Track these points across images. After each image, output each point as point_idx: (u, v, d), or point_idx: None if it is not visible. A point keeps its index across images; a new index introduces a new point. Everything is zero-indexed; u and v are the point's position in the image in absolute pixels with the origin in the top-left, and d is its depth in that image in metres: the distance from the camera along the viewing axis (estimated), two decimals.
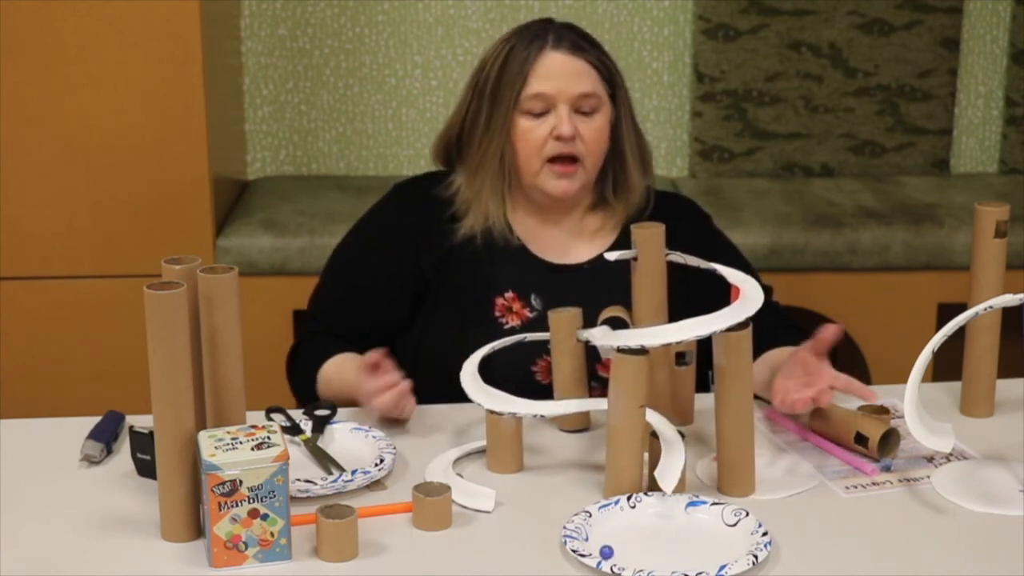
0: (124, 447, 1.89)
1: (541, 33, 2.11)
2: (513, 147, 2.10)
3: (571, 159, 2.09)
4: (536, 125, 2.09)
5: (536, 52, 2.08)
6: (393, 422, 1.97)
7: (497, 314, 2.12)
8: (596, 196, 2.18)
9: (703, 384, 2.01)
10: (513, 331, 2.09)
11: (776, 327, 2.09)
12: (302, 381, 2.16)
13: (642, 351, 1.70)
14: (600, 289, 2.04)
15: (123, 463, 1.85)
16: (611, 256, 1.93)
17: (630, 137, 2.16)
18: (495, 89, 2.09)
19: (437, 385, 2.00)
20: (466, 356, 1.92)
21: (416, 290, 2.15)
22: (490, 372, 1.92)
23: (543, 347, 2.04)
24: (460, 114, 2.16)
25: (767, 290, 2.19)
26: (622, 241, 2.13)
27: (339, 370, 2.09)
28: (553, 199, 2.13)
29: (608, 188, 2.17)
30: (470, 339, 2.01)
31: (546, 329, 1.96)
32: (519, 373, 2.08)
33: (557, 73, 2.08)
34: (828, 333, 1.91)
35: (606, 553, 1.59)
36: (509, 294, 2.12)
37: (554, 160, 2.09)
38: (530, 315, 2.12)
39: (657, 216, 2.12)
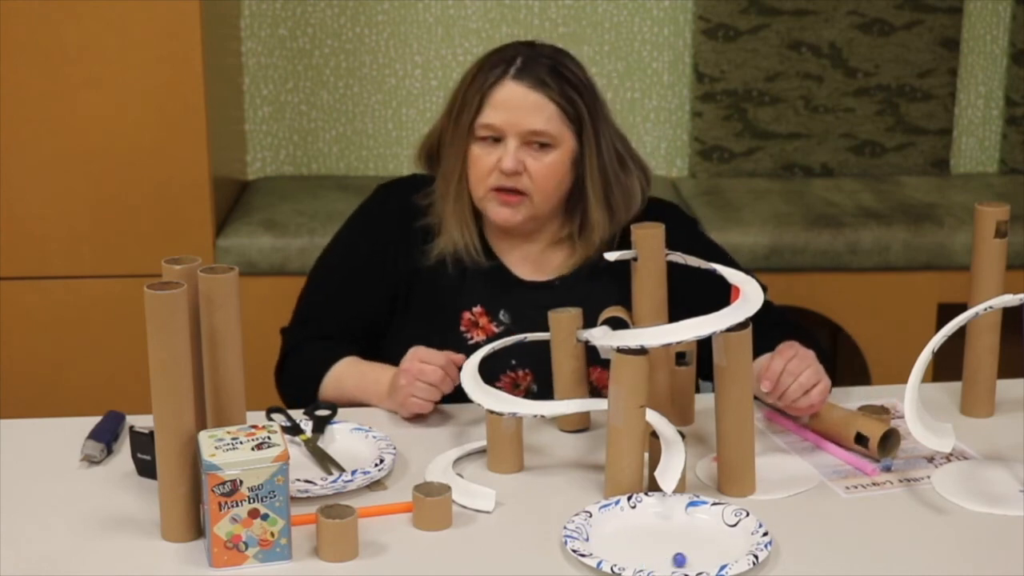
0: (124, 447, 1.89)
1: (507, 60, 2.07)
2: (464, 171, 2.09)
3: (514, 192, 2.07)
4: (485, 153, 2.07)
5: (494, 80, 2.05)
6: (396, 422, 1.97)
7: (463, 328, 2.11)
8: (562, 230, 2.15)
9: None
10: (477, 346, 2.05)
11: (770, 326, 2.07)
12: (300, 387, 2.13)
13: (642, 351, 1.70)
14: (572, 305, 2.00)
15: (123, 463, 1.85)
16: (611, 256, 1.93)
17: (594, 176, 2.09)
18: (458, 111, 2.09)
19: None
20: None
21: (394, 292, 2.14)
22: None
23: (507, 362, 2.07)
24: (439, 123, 2.16)
25: (761, 289, 2.19)
26: (579, 273, 2.13)
27: (359, 371, 2.08)
28: (497, 226, 2.12)
29: (575, 224, 2.13)
30: (436, 348, 2.00)
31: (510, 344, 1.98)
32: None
33: (510, 105, 2.05)
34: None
35: (679, 560, 1.59)
36: (477, 308, 2.12)
37: (499, 189, 2.08)
38: (496, 329, 2.10)
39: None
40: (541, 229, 2.15)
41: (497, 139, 2.06)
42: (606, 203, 2.10)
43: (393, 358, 2.05)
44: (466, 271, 2.12)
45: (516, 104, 2.04)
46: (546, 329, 1.97)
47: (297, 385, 2.14)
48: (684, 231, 2.17)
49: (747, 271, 2.17)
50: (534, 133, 2.05)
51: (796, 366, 1.91)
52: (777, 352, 1.94)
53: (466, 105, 2.07)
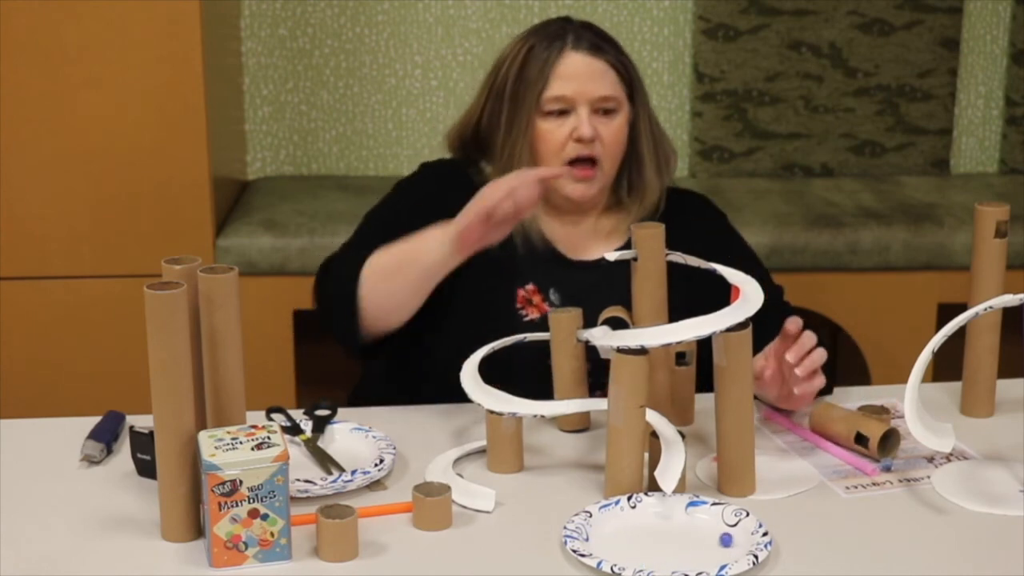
0: (124, 447, 1.89)
1: (560, 33, 2.11)
2: (533, 148, 2.10)
3: (590, 161, 2.09)
4: (556, 127, 2.09)
5: (556, 53, 2.09)
6: (397, 422, 1.97)
7: (518, 305, 2.12)
8: (611, 197, 2.18)
9: (706, 384, 2.01)
10: (532, 324, 2.08)
11: None
12: (342, 284, 2.03)
13: (642, 351, 1.70)
14: (617, 286, 2.02)
15: (123, 463, 1.85)
16: (611, 256, 1.93)
17: (648, 137, 2.15)
18: (515, 90, 2.10)
19: (451, 372, 1.97)
20: (483, 343, 1.93)
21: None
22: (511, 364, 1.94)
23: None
24: (476, 112, 2.16)
25: (779, 291, 2.19)
26: None
27: (404, 241, 2.02)
28: (571, 202, 2.13)
29: (623, 189, 2.17)
30: (489, 327, 2.01)
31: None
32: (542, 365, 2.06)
33: (577, 74, 2.08)
34: (791, 328, 1.90)
35: (726, 540, 1.62)
36: (530, 286, 2.13)
37: (573, 163, 2.09)
38: (548, 309, 2.11)
39: (674, 214, 2.13)
40: (595, 205, 2.17)
41: (563, 112, 2.09)
42: (657, 164, 2.16)
43: (444, 335, 2.04)
44: (517, 248, 2.13)
45: (583, 73, 2.08)
46: (594, 308, 1.97)
47: (342, 280, 2.05)
48: (716, 224, 2.20)
49: (766, 271, 2.19)
50: (603, 99, 2.09)
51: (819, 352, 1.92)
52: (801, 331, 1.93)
53: (529, 83, 2.09)
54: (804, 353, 1.89)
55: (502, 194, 1.90)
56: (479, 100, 2.16)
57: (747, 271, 1.85)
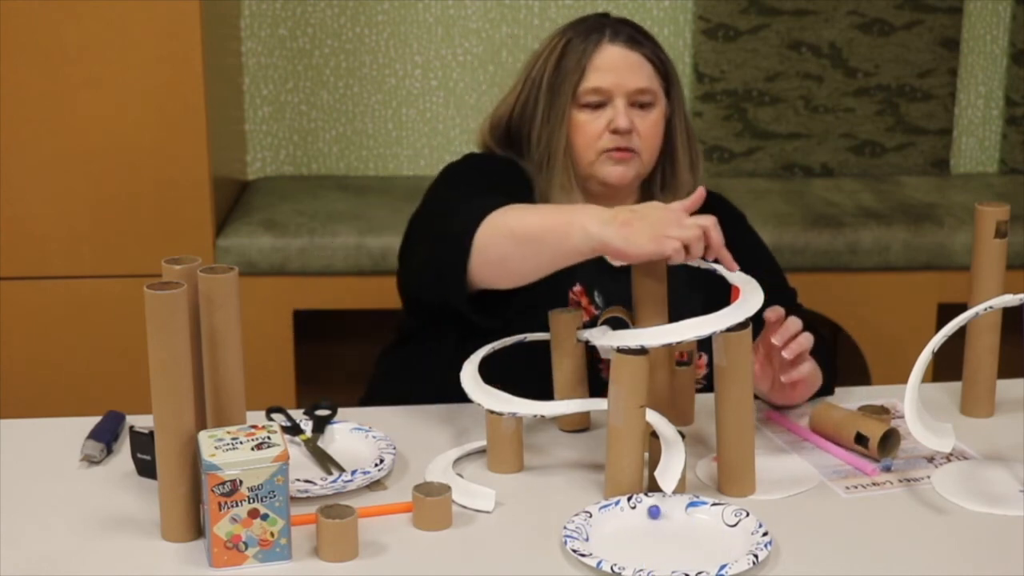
0: (124, 447, 1.89)
1: (598, 27, 2.12)
2: (569, 139, 2.11)
3: (627, 151, 2.10)
4: (593, 118, 2.10)
5: (593, 45, 2.10)
6: (396, 422, 1.97)
7: (571, 306, 2.11)
8: (644, 193, 2.18)
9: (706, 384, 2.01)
10: (585, 324, 2.02)
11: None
12: (454, 235, 1.87)
13: (642, 351, 1.70)
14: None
15: (123, 463, 1.85)
16: (615, 262, 1.92)
17: (682, 133, 2.16)
18: (552, 82, 2.11)
19: (514, 367, 1.94)
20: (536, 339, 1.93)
21: None
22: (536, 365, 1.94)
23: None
24: (510, 106, 2.16)
25: (792, 293, 2.19)
26: None
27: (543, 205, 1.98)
28: (608, 186, 2.12)
29: (656, 185, 2.17)
30: (545, 330, 1.96)
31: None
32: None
33: (614, 66, 2.09)
34: (771, 315, 1.91)
35: (653, 512, 1.64)
36: (578, 288, 2.12)
37: (612, 150, 2.10)
38: (595, 312, 2.11)
39: (699, 211, 2.12)
40: (627, 198, 2.16)
41: (600, 104, 2.09)
42: (691, 161, 2.17)
43: (501, 336, 1.96)
44: None
45: (620, 65, 2.09)
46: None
47: (451, 233, 1.88)
48: (733, 223, 2.19)
49: (780, 271, 2.19)
50: (640, 92, 2.09)
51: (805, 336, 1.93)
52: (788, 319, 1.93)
53: (566, 74, 2.09)
54: (790, 336, 1.90)
55: (698, 233, 1.75)
56: (513, 94, 2.17)
57: (764, 272, 1.85)
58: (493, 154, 2.22)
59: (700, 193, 1.84)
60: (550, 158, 2.12)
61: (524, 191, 2.10)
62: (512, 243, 1.84)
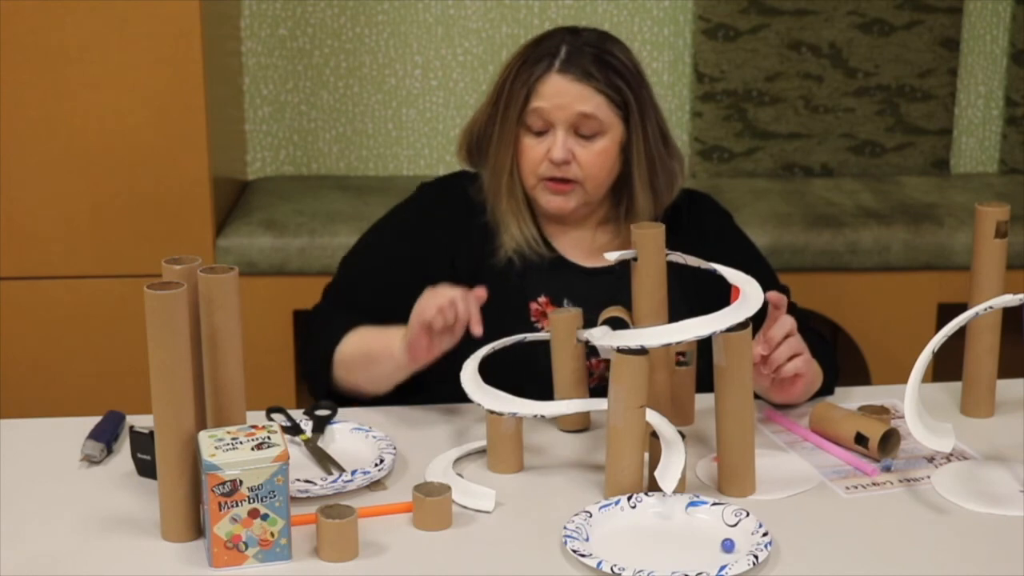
0: (124, 447, 1.89)
1: (554, 51, 2.08)
2: (516, 162, 2.11)
3: (564, 180, 2.09)
4: (535, 143, 2.09)
5: (540, 74, 2.07)
6: (397, 422, 1.97)
7: (533, 319, 2.12)
8: (610, 211, 2.17)
9: (706, 384, 2.01)
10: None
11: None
12: (320, 348, 2.09)
13: (642, 351, 1.70)
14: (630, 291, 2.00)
15: (123, 463, 1.85)
16: (611, 256, 1.93)
17: (641, 163, 2.11)
18: (507, 100, 2.10)
19: (514, 367, 1.98)
20: (502, 357, 1.93)
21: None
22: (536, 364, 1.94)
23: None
24: (479, 117, 2.16)
25: (785, 291, 2.19)
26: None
27: (379, 329, 2.05)
28: (548, 215, 2.13)
29: (621, 206, 2.16)
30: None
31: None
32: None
33: (557, 95, 2.06)
34: (773, 298, 1.91)
35: (728, 546, 1.61)
36: (542, 298, 2.12)
37: (550, 179, 2.09)
38: None
39: (679, 214, 2.12)
40: (591, 213, 2.16)
41: (541, 132, 2.08)
42: (651, 188, 2.13)
43: (461, 357, 1.99)
44: (527, 262, 2.13)
45: (563, 94, 2.06)
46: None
47: (317, 346, 2.10)
48: (719, 223, 2.19)
49: (772, 270, 2.19)
50: (583, 116, 2.06)
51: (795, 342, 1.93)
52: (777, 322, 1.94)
53: (512, 98, 2.08)
54: (774, 346, 1.91)
55: (434, 310, 1.88)
56: (484, 105, 2.16)
57: (753, 270, 1.85)
58: (440, 185, 2.21)
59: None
60: (496, 179, 2.11)
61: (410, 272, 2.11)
62: (352, 375, 2.05)
